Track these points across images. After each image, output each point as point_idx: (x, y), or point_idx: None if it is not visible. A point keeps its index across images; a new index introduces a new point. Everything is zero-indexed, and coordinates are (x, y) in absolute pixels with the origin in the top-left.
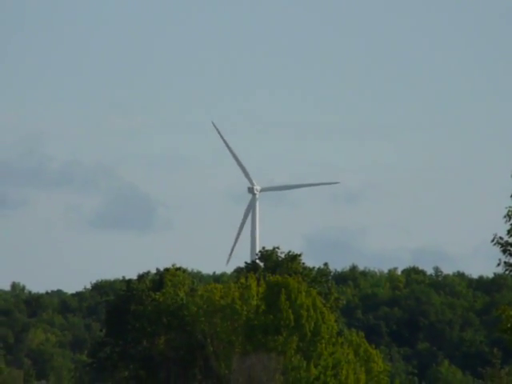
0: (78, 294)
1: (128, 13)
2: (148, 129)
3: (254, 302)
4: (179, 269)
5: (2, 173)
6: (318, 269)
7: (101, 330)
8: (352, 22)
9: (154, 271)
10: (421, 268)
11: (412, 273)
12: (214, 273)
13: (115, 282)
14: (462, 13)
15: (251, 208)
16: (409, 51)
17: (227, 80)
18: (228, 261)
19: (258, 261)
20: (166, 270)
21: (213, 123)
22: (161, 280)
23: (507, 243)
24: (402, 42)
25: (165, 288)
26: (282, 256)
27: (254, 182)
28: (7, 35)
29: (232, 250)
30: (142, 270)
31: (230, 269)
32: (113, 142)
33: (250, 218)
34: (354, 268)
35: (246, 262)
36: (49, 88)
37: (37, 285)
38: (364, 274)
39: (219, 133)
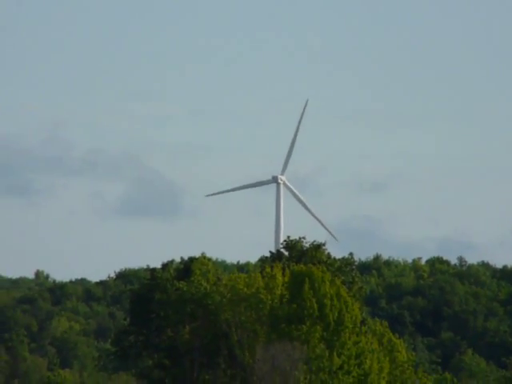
0: (102, 283)
1: (147, 7)
2: (173, 117)
3: (279, 292)
4: (205, 258)
5: (25, 161)
6: (343, 258)
7: (125, 319)
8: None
9: (178, 260)
10: (445, 258)
11: (436, 263)
12: (238, 262)
13: (139, 270)
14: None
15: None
16: (442, 45)
17: (249, 68)
18: (209, 195)
19: (282, 250)
20: (191, 258)
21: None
22: (186, 269)
23: None
24: (435, 35)
25: (193, 276)
26: (307, 246)
27: (284, 171)
28: (30, 28)
29: (223, 191)
30: (166, 259)
31: (254, 258)
32: (137, 129)
33: (274, 207)
34: (377, 257)
35: (270, 251)
36: (72, 76)
37: (61, 273)
38: (388, 263)
39: (302, 114)
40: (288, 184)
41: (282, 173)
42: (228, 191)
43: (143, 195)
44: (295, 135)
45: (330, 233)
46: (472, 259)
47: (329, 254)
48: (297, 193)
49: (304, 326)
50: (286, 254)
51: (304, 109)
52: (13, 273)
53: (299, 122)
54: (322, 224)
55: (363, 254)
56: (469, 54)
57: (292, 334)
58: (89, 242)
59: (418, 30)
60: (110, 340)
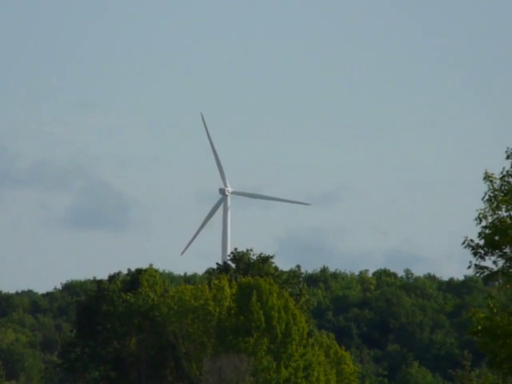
0: (49, 295)
1: (105, 11)
2: (121, 128)
3: (227, 304)
4: (153, 269)
5: None
6: (290, 270)
7: (71, 331)
8: (333, 25)
9: (125, 272)
10: (392, 270)
11: (383, 275)
12: (185, 274)
13: (86, 282)
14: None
15: (218, 208)
16: (382, 53)
17: (197, 80)
18: (183, 252)
19: (229, 262)
20: (138, 270)
21: (201, 115)
22: (133, 281)
23: (478, 246)
24: (379, 45)
25: (141, 288)
26: (254, 258)
27: (227, 183)
28: None
29: (190, 242)
30: (113, 271)
31: (201, 269)
32: (85, 140)
33: (221, 218)
34: (324, 270)
35: (217, 263)
36: (21, 85)
37: (7, 284)
38: (335, 275)
39: (205, 126)
40: (237, 190)
41: (226, 184)
42: (195, 236)
43: (91, 206)
44: (213, 148)
45: (299, 203)
46: (419, 271)
47: (276, 266)
48: (247, 191)
49: (251, 338)
50: (233, 266)
51: (204, 123)
52: None
53: (208, 136)
54: (288, 200)
55: (310, 267)
56: (420, 65)
57: (239, 346)
58: (35, 254)
59: (373, 37)
60: (56, 352)
